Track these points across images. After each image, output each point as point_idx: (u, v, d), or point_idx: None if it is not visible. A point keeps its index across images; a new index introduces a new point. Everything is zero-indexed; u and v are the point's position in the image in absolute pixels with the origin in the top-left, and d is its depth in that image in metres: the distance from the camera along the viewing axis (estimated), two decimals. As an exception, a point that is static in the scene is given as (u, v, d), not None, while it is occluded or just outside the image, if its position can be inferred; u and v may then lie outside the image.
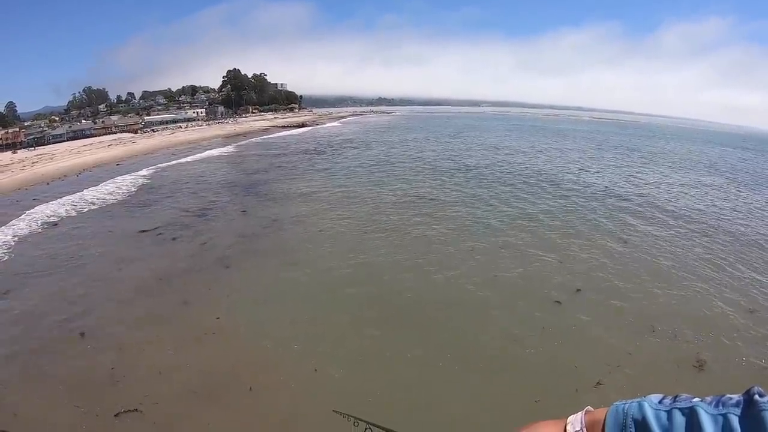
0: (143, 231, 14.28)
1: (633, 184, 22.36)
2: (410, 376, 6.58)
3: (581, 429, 0.68)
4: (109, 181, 24.71)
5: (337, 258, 11.31)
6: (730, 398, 0.58)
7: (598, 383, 6.30)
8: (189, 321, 8.30)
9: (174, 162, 32.83)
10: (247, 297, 9.28)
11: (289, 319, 8.26)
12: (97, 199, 20.00)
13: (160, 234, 13.93)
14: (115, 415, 5.77)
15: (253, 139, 50.59)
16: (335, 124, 79.07)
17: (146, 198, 19.78)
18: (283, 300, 9.13)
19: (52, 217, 16.50)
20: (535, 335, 7.63)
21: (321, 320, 8.22)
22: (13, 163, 32.47)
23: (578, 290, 9.39)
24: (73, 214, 17.23)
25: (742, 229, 14.83)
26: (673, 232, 13.89)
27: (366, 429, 1.57)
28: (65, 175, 27.74)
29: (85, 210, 17.84)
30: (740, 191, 22.53)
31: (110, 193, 21.23)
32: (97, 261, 11.67)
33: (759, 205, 19.03)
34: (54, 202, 19.27)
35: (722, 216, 16.50)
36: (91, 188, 22.38)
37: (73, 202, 19.34)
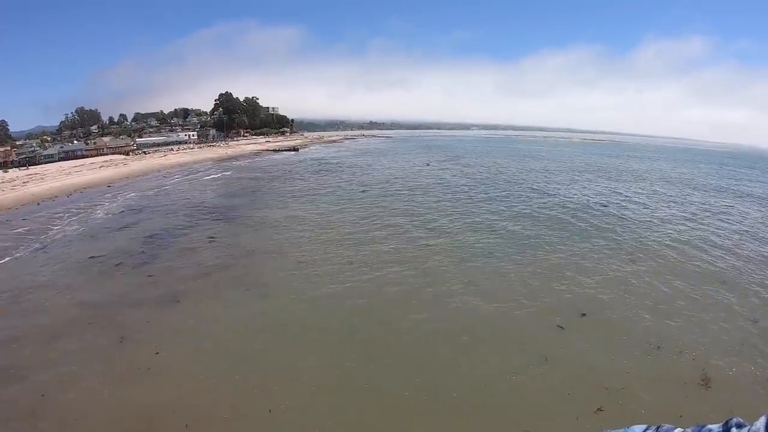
0: (93, 257, 13.93)
1: (637, 207, 22.44)
2: (382, 413, 6.18)
3: None
4: (90, 202, 25.10)
5: (300, 292, 10.75)
6: (710, 429, 0.61)
7: (598, 409, 6.26)
8: (124, 357, 7.92)
9: (162, 184, 33.30)
10: (193, 332, 8.77)
11: (241, 356, 7.78)
12: (71, 220, 20.15)
13: (112, 263, 13.42)
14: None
15: (243, 163, 50.90)
16: (327, 148, 79.16)
17: (120, 222, 19.64)
18: (235, 334, 8.65)
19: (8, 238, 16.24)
20: (537, 363, 7.36)
21: (279, 359, 7.71)
22: (3, 183, 33.05)
23: (583, 314, 9.25)
24: (35, 237, 17.10)
25: (740, 245, 15.35)
26: (677, 252, 14.23)
27: None
28: (56, 196, 28.07)
29: (52, 233, 17.85)
30: (745, 210, 23.09)
31: (85, 214, 21.53)
32: (37, 290, 11.32)
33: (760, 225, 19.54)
34: (23, 222, 19.33)
35: (723, 234, 17.00)
36: (70, 210, 22.77)
37: (41, 223, 19.43)
